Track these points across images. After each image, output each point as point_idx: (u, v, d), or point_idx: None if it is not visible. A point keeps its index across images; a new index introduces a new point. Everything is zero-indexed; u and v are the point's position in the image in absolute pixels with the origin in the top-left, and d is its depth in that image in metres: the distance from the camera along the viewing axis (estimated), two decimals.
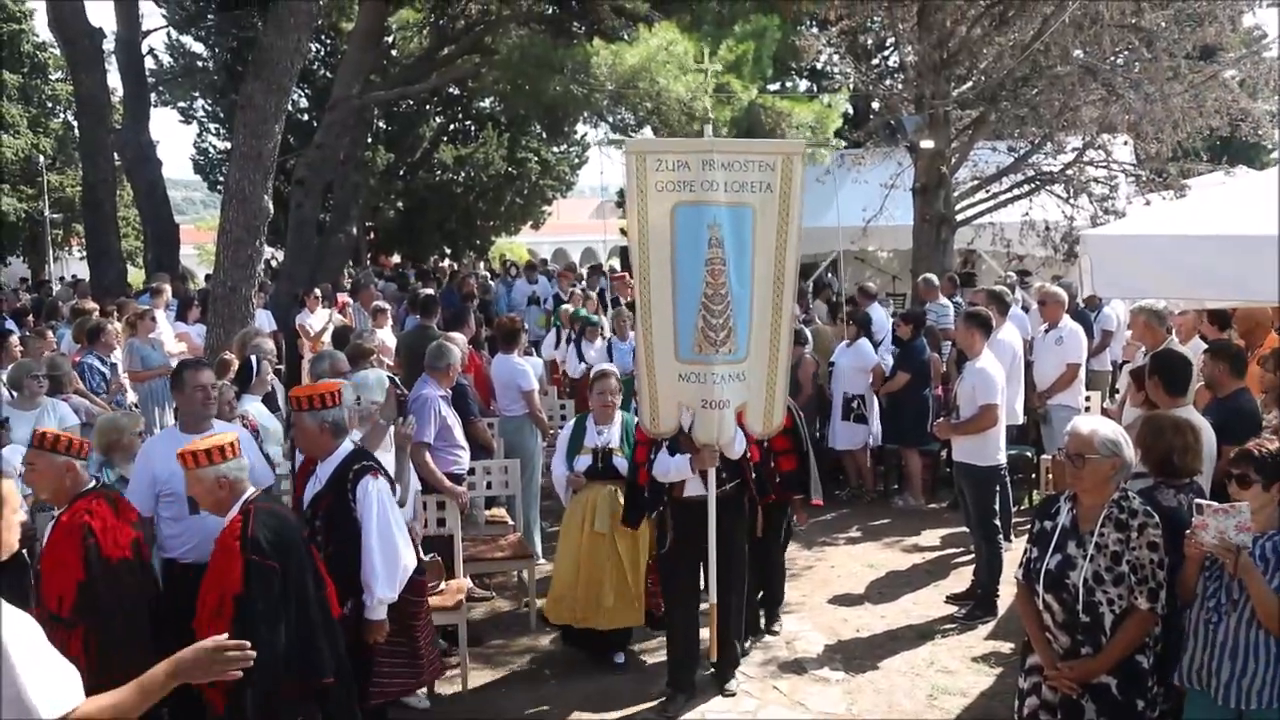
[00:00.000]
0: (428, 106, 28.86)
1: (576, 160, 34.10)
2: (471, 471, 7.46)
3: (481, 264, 29.02)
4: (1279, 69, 12.66)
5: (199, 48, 26.43)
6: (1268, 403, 5.96)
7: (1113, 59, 12.83)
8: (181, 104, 27.75)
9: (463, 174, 30.64)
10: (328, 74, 25.43)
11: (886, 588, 7.92)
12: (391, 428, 5.78)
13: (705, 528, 5.82)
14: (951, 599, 7.55)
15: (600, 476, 6.47)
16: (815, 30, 15.87)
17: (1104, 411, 9.18)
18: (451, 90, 26.35)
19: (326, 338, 11.04)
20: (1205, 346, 6.57)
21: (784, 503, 6.79)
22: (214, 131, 28.54)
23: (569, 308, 13.06)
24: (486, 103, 28.03)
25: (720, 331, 5.60)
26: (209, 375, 5.51)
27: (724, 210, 5.58)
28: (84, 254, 22.00)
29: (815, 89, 20.71)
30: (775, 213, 5.67)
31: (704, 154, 5.58)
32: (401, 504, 5.55)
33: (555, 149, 32.51)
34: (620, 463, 6.42)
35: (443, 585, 6.43)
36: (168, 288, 13.33)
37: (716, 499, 5.84)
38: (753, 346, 5.70)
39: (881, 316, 11.95)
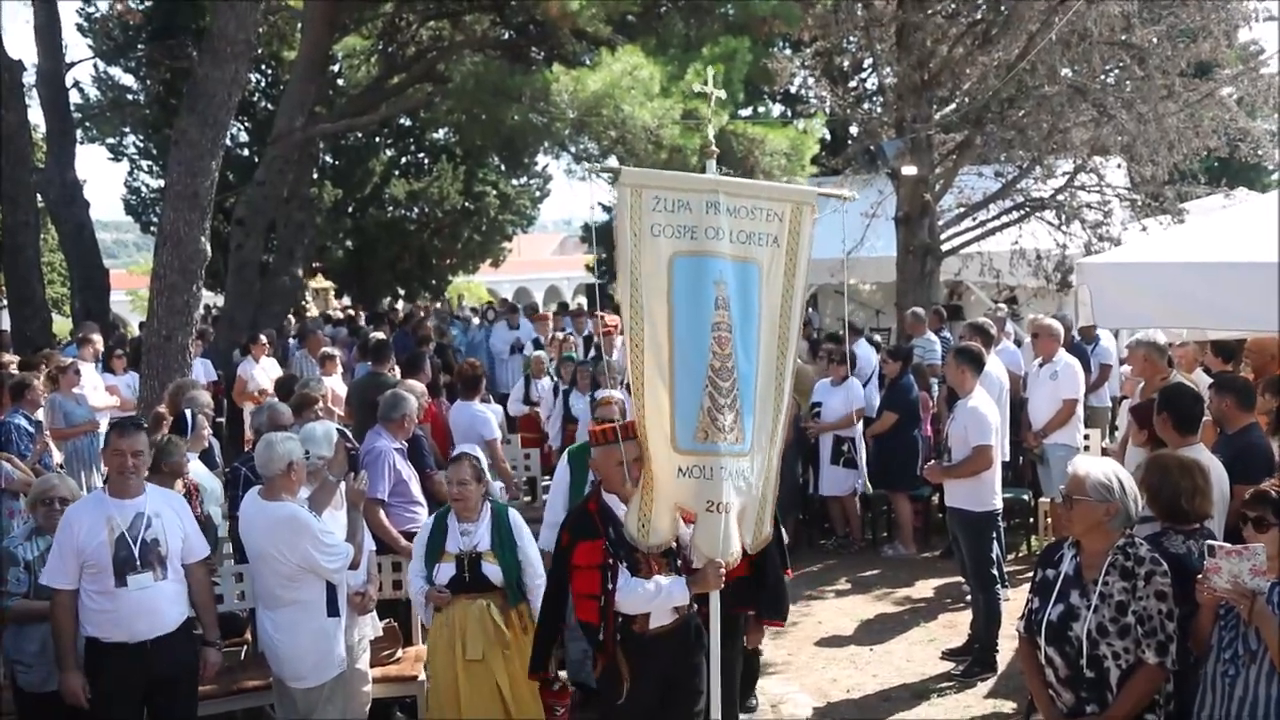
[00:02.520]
0: (377, 139, 28.92)
1: (538, 193, 34.19)
2: None
3: (438, 305, 28.96)
4: (1279, 85, 12.88)
5: (128, 80, 26.37)
6: (1269, 430, 6.01)
7: (1103, 78, 13.04)
8: (110, 140, 27.61)
9: (416, 210, 30.64)
10: (269, 106, 25.46)
11: (878, 644, 7.89)
12: (342, 484, 5.72)
13: (677, 666, 4.91)
14: (948, 654, 7.52)
15: (467, 589, 5.43)
16: (788, 52, 16.05)
17: (1104, 451, 9.24)
18: (403, 121, 26.49)
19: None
20: (1209, 380, 6.62)
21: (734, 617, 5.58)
22: (146, 169, 28.39)
23: (542, 354, 12.65)
24: (440, 134, 28.13)
25: (728, 415, 4.77)
26: (132, 441, 5.18)
27: (729, 265, 4.86)
28: (4, 303, 21.77)
29: (790, 114, 20.95)
30: (781, 273, 5.01)
31: (708, 194, 4.88)
32: (355, 566, 5.49)
33: (515, 181, 32.59)
34: (492, 570, 5.43)
35: (399, 653, 6.34)
36: (97, 337, 13.21)
37: (697, 625, 4.99)
38: (755, 436, 4.89)
39: (867, 353, 12.00)
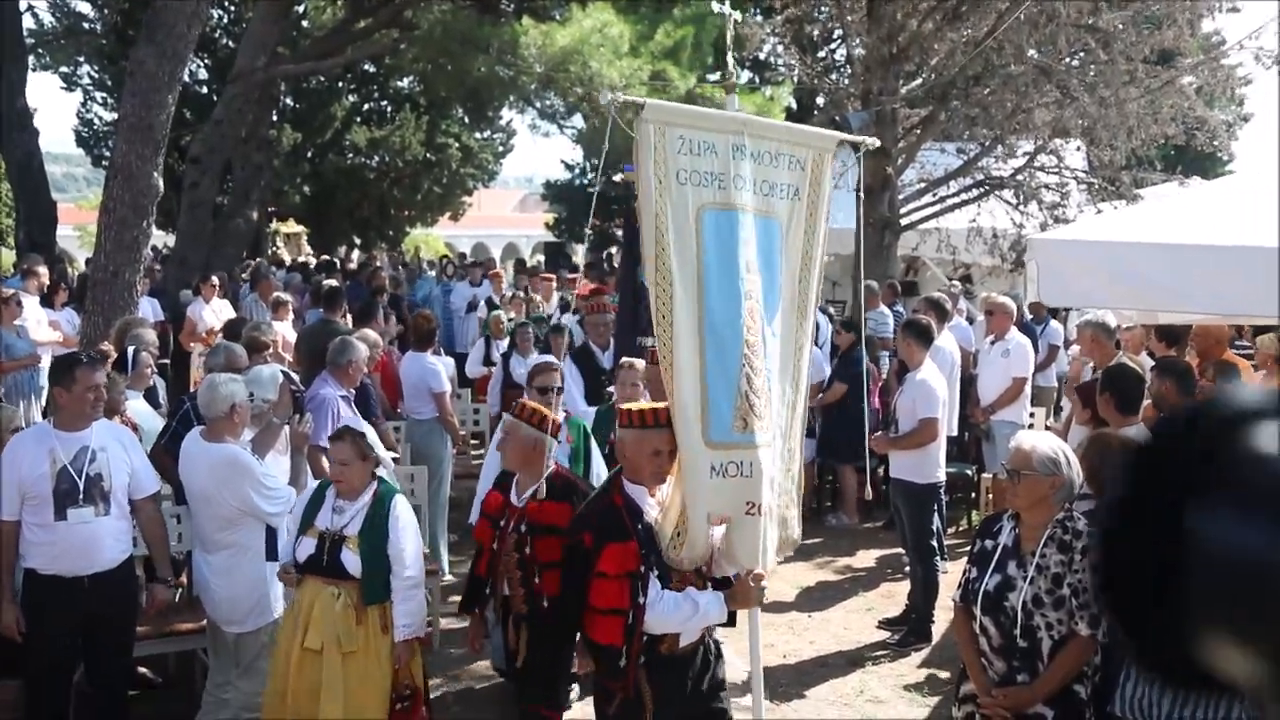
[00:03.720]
0: (340, 83, 28.56)
1: (500, 147, 33.94)
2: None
3: (388, 257, 28.71)
4: (1237, 77, 13.01)
5: (85, 7, 25.86)
6: None
7: (1068, 60, 13.09)
8: (64, 69, 27.04)
9: (376, 158, 30.34)
10: (230, 44, 25.03)
11: (816, 611, 7.97)
12: (286, 428, 5.67)
13: (702, 687, 4.25)
14: (884, 624, 7.62)
15: (323, 572, 4.84)
16: (759, 18, 15.97)
17: (1048, 429, 9.35)
18: (367, 67, 26.16)
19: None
20: (1152, 364, 6.72)
21: None
22: (100, 100, 27.85)
23: (501, 314, 12.03)
24: (405, 82, 27.84)
25: (762, 398, 4.14)
26: (103, 375, 5.25)
27: (754, 220, 4.24)
28: None
29: (757, 80, 20.89)
30: (801, 231, 4.43)
31: (734, 135, 4.20)
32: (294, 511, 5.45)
33: (478, 135, 32.33)
34: (350, 559, 4.79)
35: None
36: (42, 270, 12.96)
37: (715, 638, 4.36)
38: (777, 422, 4.32)
39: (822, 324, 12.05)
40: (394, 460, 7.98)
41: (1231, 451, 0.71)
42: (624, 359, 6.85)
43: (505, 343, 10.87)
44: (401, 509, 4.90)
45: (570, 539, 4.19)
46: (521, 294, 14.76)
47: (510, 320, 11.63)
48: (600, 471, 5.87)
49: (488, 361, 11.20)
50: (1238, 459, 0.70)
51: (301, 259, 25.19)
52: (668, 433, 4.06)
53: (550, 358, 7.34)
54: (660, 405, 4.14)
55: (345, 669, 4.74)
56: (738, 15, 7.47)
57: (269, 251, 28.13)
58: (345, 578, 4.78)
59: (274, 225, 29.80)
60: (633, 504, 4.08)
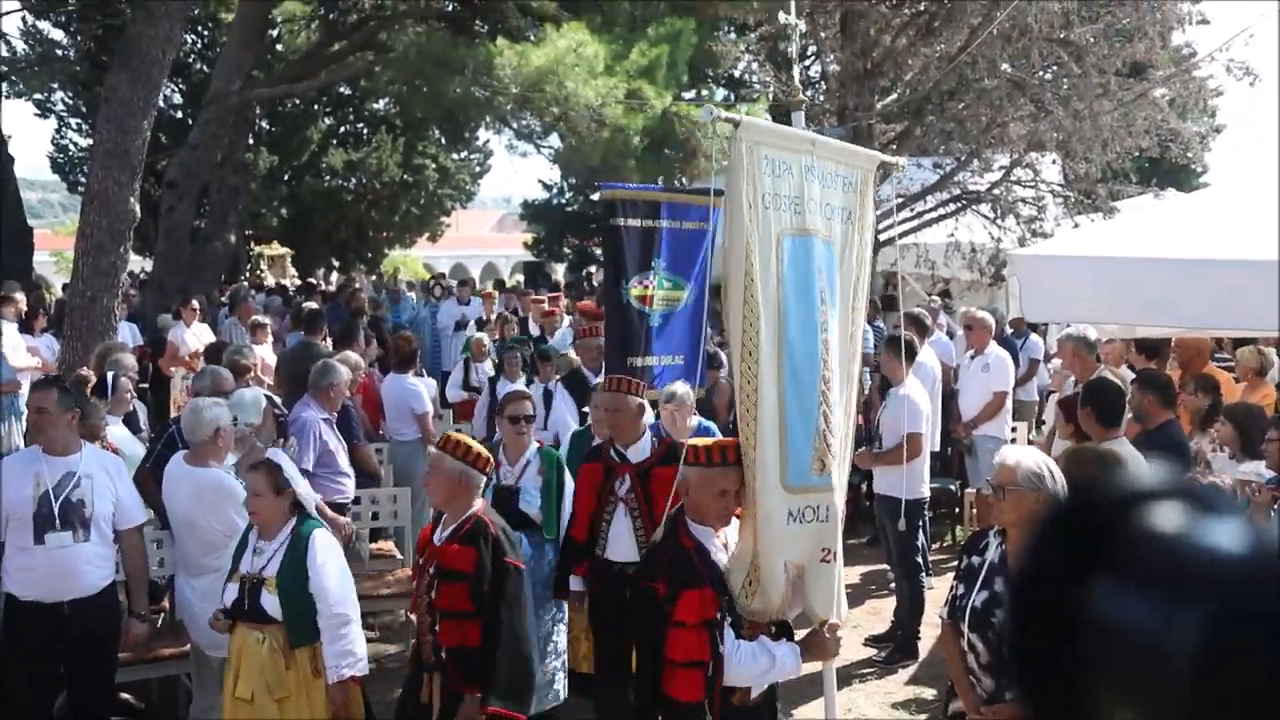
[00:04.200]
0: (315, 106, 28.52)
1: (478, 168, 33.94)
2: (357, 500, 7.32)
3: (372, 279, 28.65)
4: (1209, 89, 13.14)
5: (58, 34, 25.70)
6: (1194, 428, 6.16)
7: (1041, 74, 13.20)
8: (38, 95, 26.88)
9: (354, 180, 30.28)
10: (204, 68, 24.99)
11: (801, 629, 7.92)
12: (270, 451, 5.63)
13: None
14: (870, 641, 7.60)
15: (247, 617, 4.63)
16: (733, 36, 16.05)
17: (1030, 443, 9.38)
18: (342, 89, 26.09)
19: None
20: (1133, 376, 6.75)
21: None
22: (74, 127, 27.72)
23: (484, 336, 11.83)
24: (380, 104, 27.79)
25: (836, 437, 4.00)
26: (39, 396, 5.17)
27: (821, 246, 4.04)
28: None
29: (733, 97, 20.97)
30: (854, 258, 4.20)
31: (805, 154, 4.01)
32: None
33: (455, 155, 32.32)
34: (269, 601, 4.55)
35: None
36: (19, 296, 12.85)
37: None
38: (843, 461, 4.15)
39: None
40: (374, 482, 7.96)
41: (1130, 529, 0.73)
42: (513, 387, 6.84)
43: (488, 366, 10.78)
44: (321, 545, 4.59)
45: (638, 588, 3.86)
46: (510, 314, 14.57)
47: (496, 342, 11.51)
48: (570, 507, 5.80)
49: (467, 385, 11.01)
50: (1136, 537, 0.73)
51: (285, 281, 25.05)
52: (735, 471, 3.83)
53: (521, 386, 7.38)
54: (728, 441, 3.96)
55: (282, 715, 4.52)
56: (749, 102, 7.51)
57: (253, 274, 28.04)
58: (268, 621, 4.56)
59: (258, 248, 29.69)
60: (702, 547, 3.80)
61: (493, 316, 14.52)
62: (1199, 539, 0.70)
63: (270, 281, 24.52)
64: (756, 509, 3.77)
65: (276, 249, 28.25)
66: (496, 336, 12.36)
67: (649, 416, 7.53)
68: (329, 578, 4.56)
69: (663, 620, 3.63)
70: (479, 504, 4.58)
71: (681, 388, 6.60)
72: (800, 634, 4.18)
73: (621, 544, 5.41)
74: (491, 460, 4.75)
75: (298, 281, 25.53)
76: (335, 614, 4.51)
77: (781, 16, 4.74)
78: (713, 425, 7.00)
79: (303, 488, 4.77)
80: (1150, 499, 0.74)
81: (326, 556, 4.58)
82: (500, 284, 22.81)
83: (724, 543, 3.93)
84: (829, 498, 3.95)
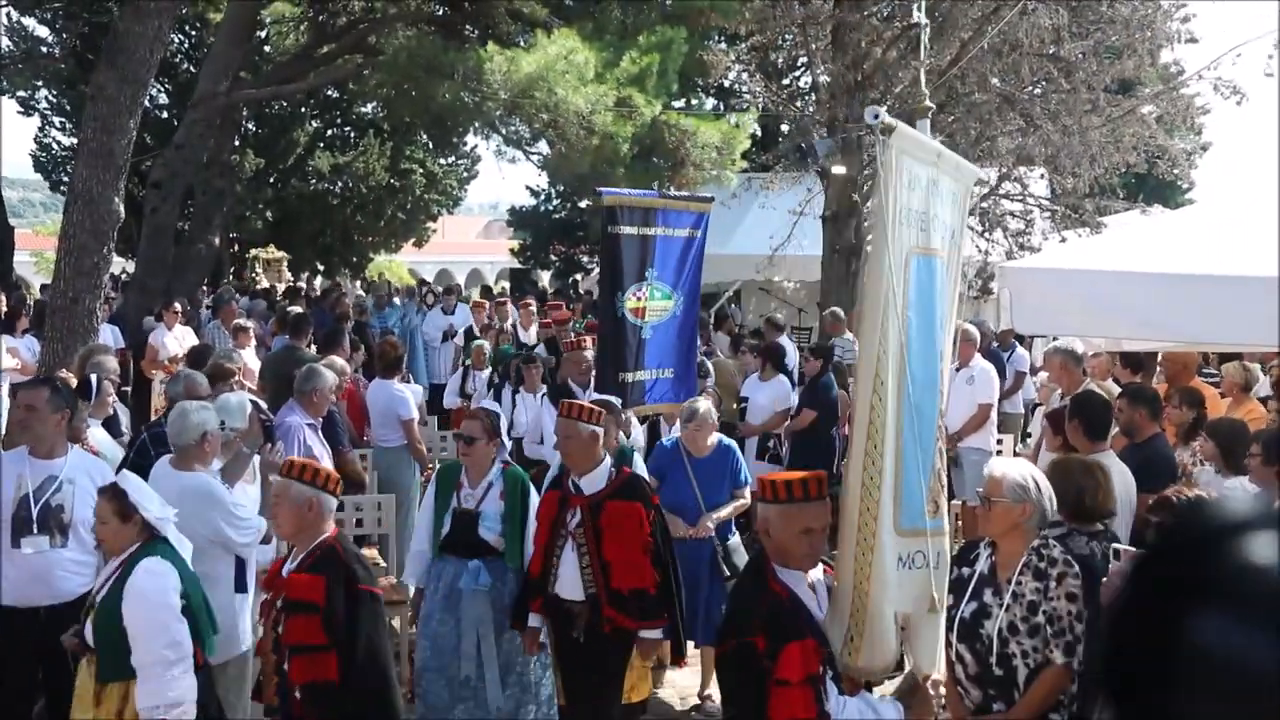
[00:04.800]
0: (303, 109, 28.47)
1: (465, 174, 33.93)
2: (341, 507, 7.28)
3: (357, 282, 28.60)
4: (1196, 107, 13.25)
5: (43, 31, 25.62)
6: (1178, 441, 6.19)
7: (1031, 89, 13.28)
8: (22, 93, 26.76)
9: (340, 184, 30.23)
10: (191, 69, 24.94)
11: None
12: (256, 457, 5.61)
13: None
14: None
15: (85, 646, 4.38)
16: (724, 45, 16.09)
17: (1017, 455, 9.42)
18: (330, 92, 26.07)
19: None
20: (1119, 390, 6.79)
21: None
22: (59, 125, 27.62)
23: (484, 344, 11.70)
24: (368, 107, 27.72)
25: (944, 478, 3.80)
26: (27, 395, 5.19)
27: (941, 268, 3.77)
28: None
29: (722, 107, 21.04)
30: (954, 277, 3.94)
31: (932, 165, 3.77)
32: (267, 541, 5.39)
33: (442, 161, 32.30)
34: (89, 630, 4.25)
35: None
36: (0, 296, 12.80)
37: None
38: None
39: (790, 351, 12.10)
40: (359, 489, 7.94)
41: (1229, 562, 0.73)
42: (598, 399, 6.31)
43: (486, 374, 10.71)
44: (142, 575, 4.13)
45: (733, 644, 3.50)
46: (498, 322, 14.26)
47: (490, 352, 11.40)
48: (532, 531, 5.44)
49: (463, 393, 10.88)
50: (1236, 570, 0.73)
51: (283, 285, 24.92)
52: (820, 507, 3.56)
53: (488, 404, 7.31)
54: (810, 474, 3.63)
55: None
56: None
57: (249, 277, 27.97)
58: (90, 650, 4.26)
59: (253, 251, 29.62)
60: (794, 594, 3.51)
61: (484, 324, 14.38)
62: None
63: (265, 284, 24.45)
64: (871, 555, 3.50)
65: (273, 252, 28.20)
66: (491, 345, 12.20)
67: (637, 435, 7.47)
68: (140, 611, 4.11)
69: (763, 678, 3.34)
70: (330, 530, 4.36)
71: (703, 405, 6.60)
72: (888, 685, 4.13)
73: (568, 581, 5.11)
74: (340, 481, 4.49)
75: (291, 285, 25.41)
76: (148, 652, 4.06)
77: (915, 13, 4.66)
78: (734, 444, 6.90)
79: (155, 510, 4.31)
80: (1246, 529, 0.74)
81: (146, 587, 4.11)
82: (486, 290, 22.71)
83: (810, 584, 3.65)
84: (940, 542, 3.75)
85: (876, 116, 3.36)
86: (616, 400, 6.51)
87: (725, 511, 6.58)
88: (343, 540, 4.45)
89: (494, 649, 5.45)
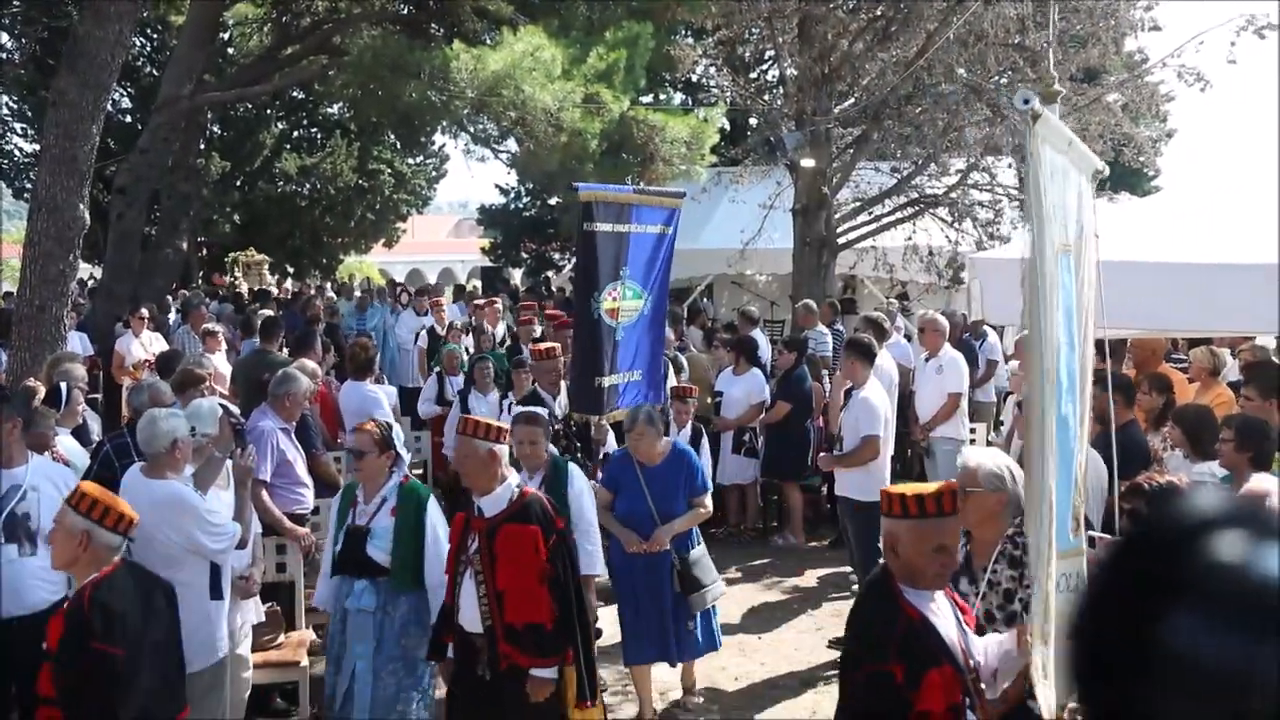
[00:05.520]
0: (268, 110, 28.28)
1: (434, 173, 33.82)
2: (316, 511, 7.25)
3: (329, 284, 28.46)
4: (1161, 94, 13.36)
5: (2, 37, 25.35)
6: (1148, 427, 6.25)
7: (997, 78, 13.36)
8: None
9: (308, 185, 30.05)
10: (154, 72, 24.73)
11: (766, 632, 7.99)
12: (229, 462, 5.58)
13: None
14: (834, 643, 7.63)
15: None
16: (691, 40, 16.11)
17: (989, 444, 9.49)
18: (295, 93, 25.92)
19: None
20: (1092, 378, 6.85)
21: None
22: (20, 132, 27.36)
23: (456, 348, 11.31)
24: (335, 108, 27.59)
25: (1082, 492, 3.57)
26: None
27: (1073, 265, 3.47)
28: None
29: (691, 102, 21.05)
30: (1088, 277, 3.64)
31: (1064, 153, 3.42)
32: (242, 546, 5.36)
33: (410, 160, 32.19)
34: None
35: (281, 638, 6.22)
36: None
37: None
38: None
39: (762, 344, 12.14)
40: (334, 492, 7.89)
41: (1203, 559, 0.74)
42: (521, 411, 6.13)
43: (460, 379, 10.46)
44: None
45: (864, 672, 3.25)
46: (469, 321, 13.95)
47: (469, 354, 11.09)
48: (441, 552, 5.14)
49: (441, 400, 10.61)
50: (1205, 567, 0.73)
51: (262, 289, 24.72)
52: (954, 522, 3.37)
53: (493, 399, 7.06)
54: (943, 487, 3.40)
55: None
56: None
57: (225, 281, 27.77)
58: None
59: (232, 254, 29.43)
60: (925, 617, 3.27)
61: (449, 326, 13.67)
62: (1271, 568, 0.71)
63: (245, 288, 24.30)
64: (1047, 581, 3.09)
65: (253, 255, 28.04)
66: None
67: (611, 442, 7.10)
68: None
69: (904, 711, 3.12)
70: (95, 574, 4.06)
71: (643, 411, 6.31)
72: None
73: (468, 612, 4.76)
74: (133, 522, 4.24)
75: (274, 289, 25.22)
76: None
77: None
78: (689, 450, 6.63)
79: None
80: (1218, 526, 0.74)
81: None
82: (460, 289, 22.60)
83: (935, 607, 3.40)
84: (1080, 563, 3.48)
85: (1027, 102, 2.98)
86: (543, 411, 6.23)
87: (679, 523, 6.24)
88: (105, 591, 4.03)
89: (369, 677, 5.16)
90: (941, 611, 3.31)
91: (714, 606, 6.56)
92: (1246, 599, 0.71)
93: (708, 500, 6.43)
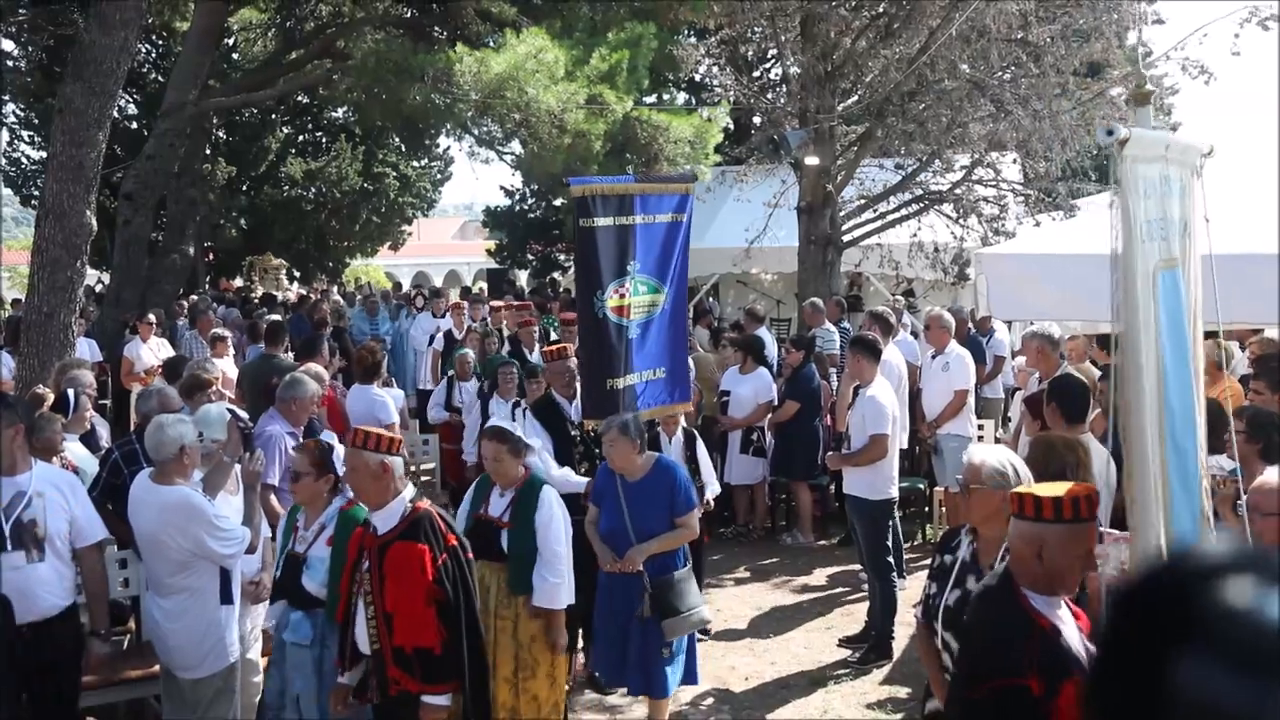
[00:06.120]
0: (273, 115, 28.32)
1: (439, 175, 33.85)
2: None
3: (335, 288, 28.49)
4: (1164, 87, 13.31)
5: (8, 45, 25.38)
6: None
7: (1000, 74, 13.33)
8: None
9: (313, 190, 30.10)
10: (160, 78, 24.76)
11: (776, 631, 7.98)
12: (237, 466, 5.59)
13: None
14: (844, 642, 7.64)
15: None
16: (694, 40, 16.09)
17: (997, 441, 9.46)
18: (300, 98, 25.97)
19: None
20: (1099, 373, 6.82)
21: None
22: (27, 139, 27.40)
23: (469, 353, 10.96)
24: (339, 112, 27.67)
25: (1211, 521, 3.52)
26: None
27: (1180, 275, 3.35)
28: None
29: (694, 101, 21.02)
30: (1193, 278, 3.49)
31: (1161, 161, 3.31)
32: (252, 550, 5.36)
33: (415, 163, 32.23)
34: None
35: None
36: None
37: None
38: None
39: (769, 342, 12.12)
40: None
41: (1209, 604, 0.73)
42: (488, 426, 5.83)
43: (473, 384, 10.22)
44: None
45: (995, 686, 3.04)
46: (478, 326, 13.58)
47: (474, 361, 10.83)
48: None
49: (449, 406, 10.47)
50: (1216, 613, 0.73)
51: (281, 294, 24.70)
52: (1095, 526, 3.28)
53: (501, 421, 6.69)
54: (1082, 490, 3.26)
55: None
56: None
57: (228, 285, 27.81)
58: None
59: (249, 258, 29.50)
60: (1055, 625, 3.13)
61: (466, 329, 13.49)
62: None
63: (261, 291, 24.35)
64: None
65: (270, 259, 28.12)
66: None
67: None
68: None
69: None
70: None
71: (618, 419, 5.88)
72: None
73: (360, 634, 4.58)
74: None
75: (293, 294, 25.21)
76: None
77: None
78: (675, 464, 6.20)
79: None
80: (1229, 571, 0.74)
81: None
82: (465, 291, 22.60)
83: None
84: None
85: (1111, 133, 2.88)
86: (512, 426, 5.80)
87: (655, 544, 5.79)
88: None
89: (315, 713, 4.92)
90: (1066, 619, 3.18)
91: (696, 641, 6.17)
92: (1258, 645, 0.70)
93: (693, 520, 5.96)
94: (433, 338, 13.73)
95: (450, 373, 10.91)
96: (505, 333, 12.88)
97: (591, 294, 6.39)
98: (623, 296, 6.45)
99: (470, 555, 4.63)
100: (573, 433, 6.91)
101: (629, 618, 5.78)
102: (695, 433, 7.96)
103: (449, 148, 32.07)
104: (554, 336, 11.87)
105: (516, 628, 5.38)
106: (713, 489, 7.73)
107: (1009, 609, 3.19)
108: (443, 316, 14.39)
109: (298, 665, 4.97)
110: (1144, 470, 2.90)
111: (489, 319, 14.22)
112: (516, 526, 5.35)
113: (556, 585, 5.32)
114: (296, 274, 31.78)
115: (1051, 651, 3.02)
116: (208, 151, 23.29)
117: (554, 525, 5.37)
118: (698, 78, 19.44)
